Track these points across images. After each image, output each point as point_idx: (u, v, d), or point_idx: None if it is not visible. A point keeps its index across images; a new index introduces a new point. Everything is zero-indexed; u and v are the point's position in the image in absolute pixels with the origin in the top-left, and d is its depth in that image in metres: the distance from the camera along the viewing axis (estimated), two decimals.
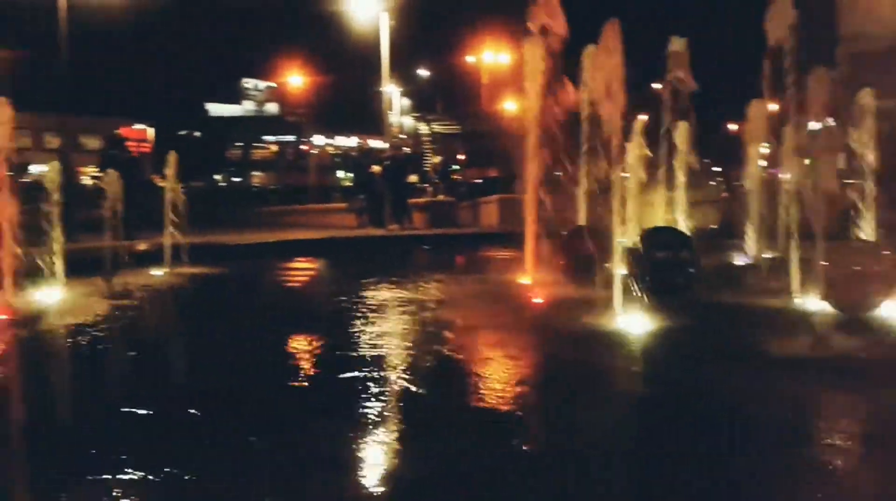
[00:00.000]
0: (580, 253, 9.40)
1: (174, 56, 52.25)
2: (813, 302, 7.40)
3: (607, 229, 9.06)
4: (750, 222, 11.61)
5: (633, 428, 4.45)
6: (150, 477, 3.57)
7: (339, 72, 53.78)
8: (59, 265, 8.59)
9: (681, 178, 11.60)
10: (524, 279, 9.54)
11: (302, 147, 62.62)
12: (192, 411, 4.57)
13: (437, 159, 31.00)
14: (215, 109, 61.52)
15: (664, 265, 7.80)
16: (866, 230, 8.47)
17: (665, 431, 4.31)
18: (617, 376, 5.72)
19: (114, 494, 3.38)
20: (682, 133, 11.41)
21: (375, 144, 33.54)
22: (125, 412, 4.57)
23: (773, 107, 11.68)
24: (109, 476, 3.53)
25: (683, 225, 11.58)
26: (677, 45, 12.20)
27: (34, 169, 34.45)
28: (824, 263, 6.98)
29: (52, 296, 8.28)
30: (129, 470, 3.61)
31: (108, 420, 4.44)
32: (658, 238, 8.04)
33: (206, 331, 7.26)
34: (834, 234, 8.27)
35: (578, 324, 6.84)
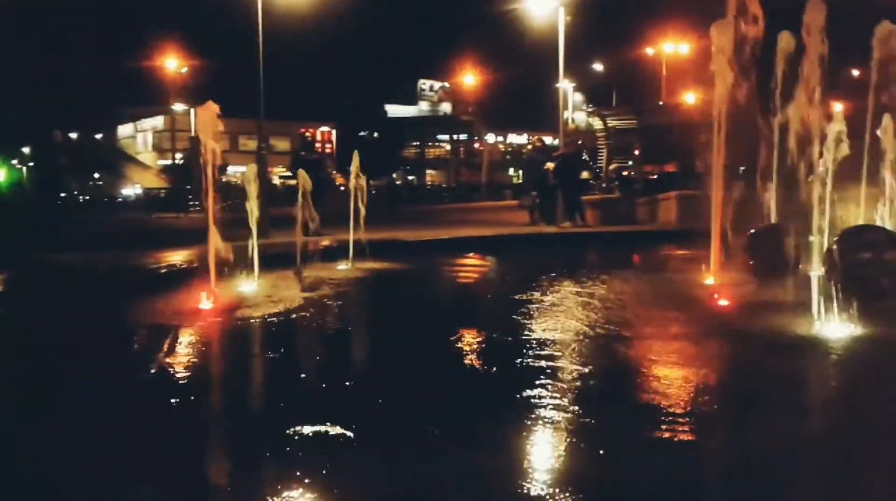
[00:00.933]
0: (771, 253, 8.89)
1: (356, 60, 54.62)
2: None
3: (801, 227, 8.50)
4: None
5: (829, 445, 4.09)
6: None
7: (512, 69, 54.07)
8: (254, 259, 9.20)
9: (886, 173, 10.67)
10: (708, 280, 9.10)
11: (474, 145, 63.60)
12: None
13: (612, 165, 30.32)
14: (393, 110, 63.74)
15: (868, 267, 7.16)
16: None
17: (867, 450, 3.95)
18: (815, 388, 5.32)
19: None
20: (886, 125, 10.47)
21: (548, 140, 33.36)
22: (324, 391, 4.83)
23: None
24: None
25: (888, 224, 10.64)
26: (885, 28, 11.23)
27: (231, 170, 37.28)
28: None
29: (249, 287, 8.89)
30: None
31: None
32: (862, 237, 7.39)
33: (388, 323, 7.53)
34: None
35: (770, 330, 6.42)
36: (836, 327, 6.18)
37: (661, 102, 48.92)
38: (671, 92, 51.88)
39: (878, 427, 4.28)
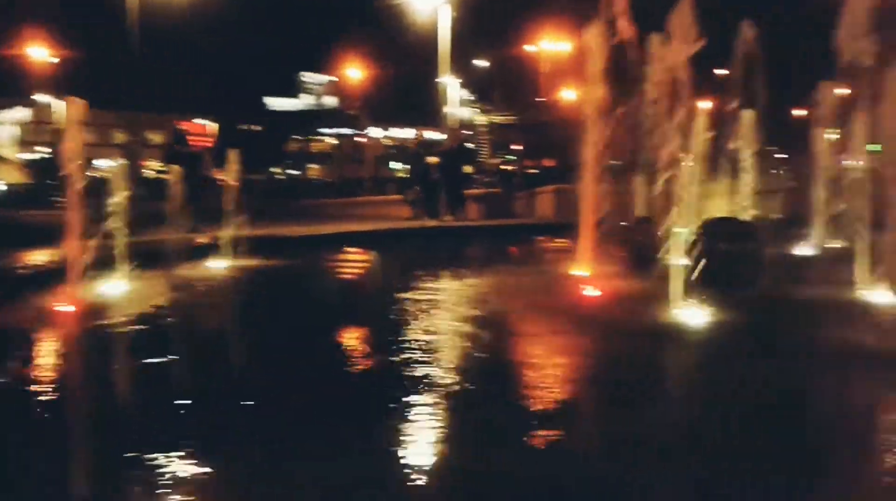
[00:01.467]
0: (640, 245, 9.26)
1: (235, 52, 53.15)
2: (880, 294, 7.12)
3: (667, 219, 8.88)
4: (816, 212, 11.27)
5: (680, 428, 4.32)
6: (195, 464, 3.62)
7: (397, 64, 53.97)
8: (123, 258, 8.79)
9: (746, 167, 11.32)
10: (581, 271, 9.39)
11: (358, 139, 63.13)
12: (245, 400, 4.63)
13: (493, 160, 30.83)
14: (275, 103, 62.43)
15: (728, 257, 7.58)
16: None
17: (715, 430, 4.19)
18: (670, 373, 5.59)
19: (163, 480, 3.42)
20: (746, 121, 11.13)
21: (432, 135, 33.62)
22: (177, 403, 4.66)
23: (843, 91, 11.30)
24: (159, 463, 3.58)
25: (747, 215, 11.30)
26: (747, 29, 11.94)
27: (99, 164, 35.53)
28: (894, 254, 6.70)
29: (115, 288, 8.48)
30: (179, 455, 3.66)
31: (161, 409, 4.52)
32: (721, 229, 7.81)
33: (262, 323, 7.35)
34: None
35: (635, 319, 6.70)
36: (697, 315, 6.51)
37: (540, 99, 50.13)
38: (550, 89, 53.22)
39: (731, 409, 4.56)
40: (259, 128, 57.17)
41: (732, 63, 12.37)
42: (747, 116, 10.98)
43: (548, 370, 5.39)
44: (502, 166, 32.96)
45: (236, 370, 5.68)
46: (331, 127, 63.83)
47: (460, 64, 50.27)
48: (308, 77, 67.95)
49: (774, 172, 17.87)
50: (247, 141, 49.25)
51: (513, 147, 49.10)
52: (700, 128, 10.16)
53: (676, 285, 6.78)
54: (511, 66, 56.35)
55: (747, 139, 11.33)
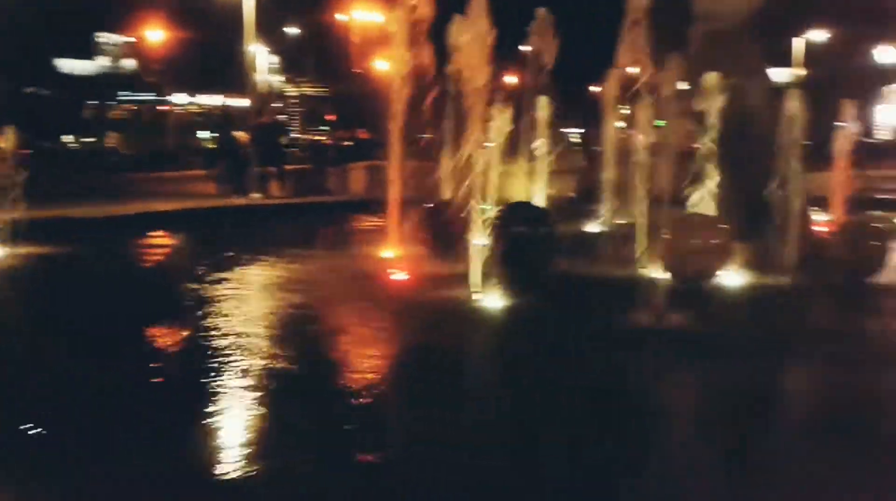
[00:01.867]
0: (443, 227, 9.48)
1: (21, 7, 48.37)
2: (657, 272, 7.80)
3: (469, 201, 9.18)
4: (605, 189, 12.00)
5: (470, 413, 4.54)
6: None
7: (202, 27, 51.39)
8: None
9: (541, 148, 11.86)
10: (388, 253, 9.54)
11: (161, 107, 59.74)
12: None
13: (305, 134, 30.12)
14: (66, 65, 57.41)
15: (522, 240, 7.97)
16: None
17: (498, 407, 4.46)
18: (463, 358, 5.86)
19: None
20: (542, 105, 11.66)
21: (238, 103, 32.41)
22: None
23: (635, 70, 12.07)
24: None
25: (543, 194, 11.89)
26: (542, 13, 12.47)
27: None
28: (666, 236, 7.35)
29: None
30: None
31: None
32: (516, 213, 8.20)
33: (46, 320, 6.80)
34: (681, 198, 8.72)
35: (437, 303, 6.92)
36: (494, 299, 6.82)
37: (355, 69, 49.73)
38: (363, 59, 52.85)
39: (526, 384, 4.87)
40: (48, 92, 52.54)
41: (530, 43, 12.89)
42: (543, 101, 11.51)
43: (345, 364, 5.47)
44: (316, 139, 32.32)
45: None
46: (132, 92, 59.91)
47: (269, 30, 48.78)
48: (104, 37, 63.11)
49: (571, 151, 18.86)
50: (34, 106, 45.17)
51: (327, 118, 48.52)
52: (500, 111, 10.57)
53: (476, 268, 7.03)
54: (323, 34, 55.41)
55: (542, 121, 11.85)
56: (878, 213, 14.60)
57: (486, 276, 7.07)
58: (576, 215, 12.04)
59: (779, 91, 9.32)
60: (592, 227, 11.81)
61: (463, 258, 8.28)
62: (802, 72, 50.94)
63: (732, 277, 7.60)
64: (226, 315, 6.72)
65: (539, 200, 11.52)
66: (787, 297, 7.11)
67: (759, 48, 9.39)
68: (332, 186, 20.14)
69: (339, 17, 54.62)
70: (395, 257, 9.36)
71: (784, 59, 53.37)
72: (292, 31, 55.33)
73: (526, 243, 7.97)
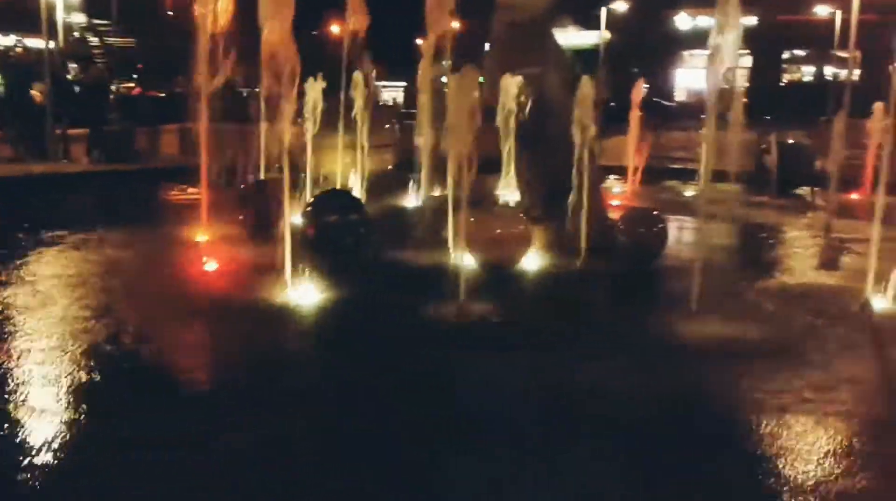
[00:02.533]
0: (258, 211, 9.23)
1: None
2: (464, 257, 8.18)
3: (283, 183, 9.07)
4: (421, 162, 12.19)
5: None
6: None
7: None
8: None
9: (358, 121, 11.87)
10: (200, 237, 9.28)
11: None
12: None
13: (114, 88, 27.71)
14: None
15: (334, 228, 8.14)
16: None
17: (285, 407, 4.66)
18: (288, 348, 5.99)
19: None
20: (357, 82, 11.68)
21: (35, 43, 29.38)
22: None
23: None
24: None
25: (360, 169, 11.91)
26: None
27: None
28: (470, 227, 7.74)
29: None
30: None
31: None
32: (330, 202, 8.35)
33: None
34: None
35: (241, 301, 6.88)
36: (304, 291, 6.94)
37: (166, 17, 46.84)
38: (178, 4, 49.77)
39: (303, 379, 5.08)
40: None
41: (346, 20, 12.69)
42: (357, 78, 11.54)
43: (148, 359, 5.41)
44: (123, 93, 29.80)
45: None
46: None
47: None
48: None
49: (388, 126, 18.99)
50: None
51: (138, 67, 45.37)
52: (316, 86, 10.48)
53: (288, 256, 7.01)
54: None
55: (359, 94, 11.83)
56: (670, 184, 16.07)
57: (298, 266, 7.11)
58: (394, 189, 12.26)
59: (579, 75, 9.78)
60: (410, 202, 12.06)
61: (277, 245, 8.23)
62: (608, 36, 53.69)
63: (534, 263, 8.17)
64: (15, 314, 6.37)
65: (356, 175, 11.61)
66: (571, 286, 7.76)
67: (557, 41, 9.91)
68: (144, 149, 19.10)
69: None
70: (208, 241, 9.15)
71: (596, 26, 56.18)
72: None
73: (338, 230, 8.15)
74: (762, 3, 43.75)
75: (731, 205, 11.71)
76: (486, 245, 7.69)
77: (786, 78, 53.37)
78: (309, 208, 8.28)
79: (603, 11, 51.19)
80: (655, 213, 8.98)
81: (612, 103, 48.63)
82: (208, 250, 8.59)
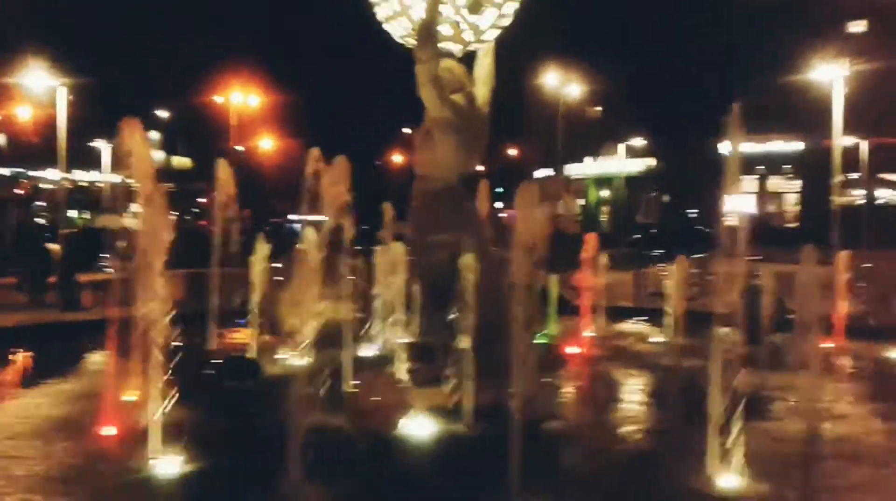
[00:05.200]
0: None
1: None
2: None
3: None
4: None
5: None
6: None
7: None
8: None
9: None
10: (127, 396, 9.46)
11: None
12: None
13: None
14: None
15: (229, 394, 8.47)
16: None
17: None
18: None
19: None
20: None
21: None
22: None
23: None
24: None
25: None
26: None
27: None
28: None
29: None
30: None
31: None
32: (224, 369, 8.72)
33: None
34: None
35: (108, 472, 7.12)
36: (173, 462, 7.13)
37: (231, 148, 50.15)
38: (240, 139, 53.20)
39: None
40: None
41: None
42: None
43: None
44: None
45: None
46: None
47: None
48: None
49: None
50: None
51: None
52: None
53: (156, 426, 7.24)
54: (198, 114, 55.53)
55: None
56: None
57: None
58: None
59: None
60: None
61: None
62: (653, 163, 54.31)
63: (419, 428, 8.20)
64: None
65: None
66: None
67: (474, 206, 10.32)
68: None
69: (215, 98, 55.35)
70: (130, 400, 9.35)
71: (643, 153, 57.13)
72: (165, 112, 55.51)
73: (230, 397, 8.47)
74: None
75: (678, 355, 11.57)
76: (366, 411, 7.86)
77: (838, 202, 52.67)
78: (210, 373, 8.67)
79: (638, 141, 52.16)
80: None
81: (653, 230, 48.31)
82: (119, 411, 8.76)
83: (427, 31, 8.99)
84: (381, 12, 9.75)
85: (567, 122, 56.32)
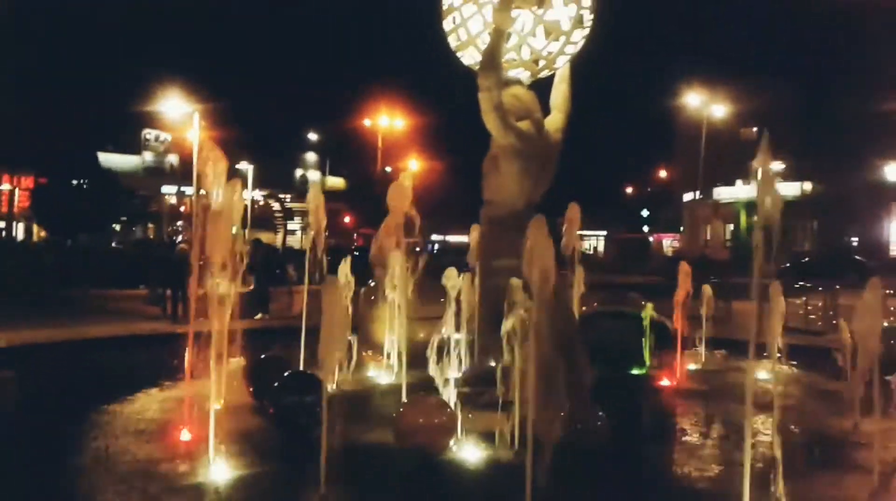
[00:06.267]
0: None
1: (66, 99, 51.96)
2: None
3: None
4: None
5: None
6: None
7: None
8: None
9: None
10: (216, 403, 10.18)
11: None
12: None
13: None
14: (109, 159, 60.42)
15: (291, 409, 8.85)
16: None
17: None
18: None
19: None
20: None
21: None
22: None
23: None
24: None
25: None
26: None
27: None
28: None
29: None
30: None
31: None
32: (288, 384, 9.10)
33: None
34: None
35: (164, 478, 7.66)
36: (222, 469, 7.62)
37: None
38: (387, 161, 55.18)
39: None
40: (88, 185, 55.32)
41: None
42: None
43: None
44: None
45: None
46: (175, 185, 62.83)
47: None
48: (151, 134, 67.14)
49: None
50: (75, 199, 47.65)
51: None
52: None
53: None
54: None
55: None
56: None
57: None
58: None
59: None
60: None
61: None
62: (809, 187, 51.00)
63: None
64: None
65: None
66: None
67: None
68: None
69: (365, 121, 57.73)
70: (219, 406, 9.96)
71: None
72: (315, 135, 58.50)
73: (295, 410, 8.82)
74: None
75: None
76: (412, 432, 7.99)
77: None
78: (273, 388, 9.08)
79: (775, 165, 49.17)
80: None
81: (806, 259, 45.09)
82: (196, 418, 9.35)
83: (490, 59, 9.08)
84: (452, 41, 9.94)
85: (717, 144, 54.18)
